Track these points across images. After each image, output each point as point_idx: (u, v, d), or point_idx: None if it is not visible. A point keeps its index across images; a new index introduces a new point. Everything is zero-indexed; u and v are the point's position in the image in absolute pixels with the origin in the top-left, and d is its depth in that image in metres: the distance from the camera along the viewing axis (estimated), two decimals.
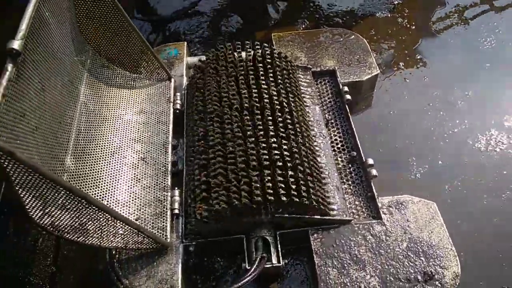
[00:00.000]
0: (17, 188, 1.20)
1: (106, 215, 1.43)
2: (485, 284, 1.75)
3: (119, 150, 2.01)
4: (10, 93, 1.09)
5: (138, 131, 2.13)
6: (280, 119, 1.89)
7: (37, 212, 1.36)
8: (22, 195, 1.24)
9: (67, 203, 1.31)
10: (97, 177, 1.85)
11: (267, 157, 1.73)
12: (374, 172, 1.89)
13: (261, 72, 2.11)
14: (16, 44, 1.12)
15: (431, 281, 1.52)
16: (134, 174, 1.96)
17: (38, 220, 1.40)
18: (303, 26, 3.14)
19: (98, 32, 2.12)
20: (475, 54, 2.77)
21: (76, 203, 1.31)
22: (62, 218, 1.41)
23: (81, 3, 1.96)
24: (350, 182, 1.94)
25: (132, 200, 1.87)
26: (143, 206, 1.86)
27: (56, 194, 1.25)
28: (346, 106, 2.26)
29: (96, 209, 1.36)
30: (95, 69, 2.17)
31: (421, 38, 2.90)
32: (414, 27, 2.96)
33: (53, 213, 1.39)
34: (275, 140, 1.80)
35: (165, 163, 2.01)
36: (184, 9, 3.46)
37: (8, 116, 1.09)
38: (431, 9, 3.12)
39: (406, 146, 2.33)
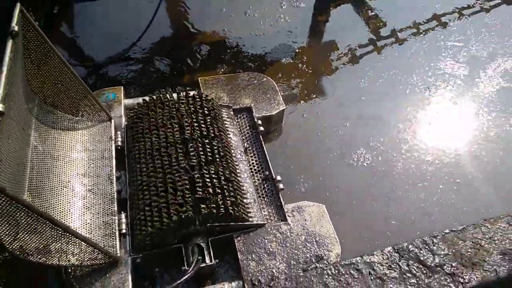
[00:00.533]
0: None
1: (68, 234, 1.77)
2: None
3: (68, 184, 2.33)
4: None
5: (84, 167, 2.46)
6: (208, 147, 2.39)
7: (8, 238, 1.66)
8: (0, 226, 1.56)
9: (37, 226, 1.64)
10: (52, 208, 2.15)
11: (199, 180, 2.20)
12: (281, 186, 2.47)
13: (191, 111, 2.61)
14: (1, 107, 1.48)
15: (321, 260, 2.09)
16: (84, 203, 2.29)
17: (7, 246, 1.69)
18: (223, 70, 3.75)
19: (44, 83, 2.44)
20: (354, 91, 3.61)
21: (44, 225, 1.65)
22: (29, 241, 1.73)
23: (31, 60, 2.29)
24: (264, 195, 2.50)
25: (84, 226, 2.19)
26: (94, 229, 2.20)
27: (30, 219, 1.59)
28: (260, 136, 2.85)
29: (61, 230, 1.71)
30: (42, 115, 2.47)
31: (316, 79, 3.69)
32: (311, 71, 3.74)
33: (22, 238, 1.70)
34: (204, 164, 2.29)
35: (111, 192, 2.38)
36: (117, 54, 3.86)
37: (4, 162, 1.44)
38: (324, 54, 3.95)
39: (301, 166, 2.99)
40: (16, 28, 1.87)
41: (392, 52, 3.99)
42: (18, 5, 1.96)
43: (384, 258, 1.85)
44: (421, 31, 4.21)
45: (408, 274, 1.81)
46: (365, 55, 3.96)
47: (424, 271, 1.82)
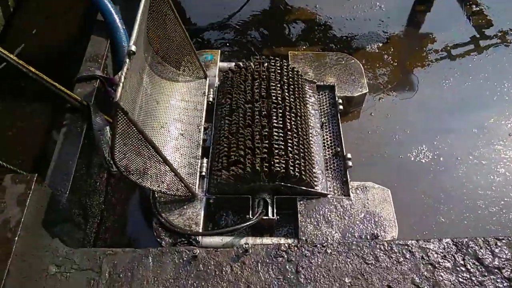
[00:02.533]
0: (116, 136, 1.90)
1: (164, 163, 2.13)
2: None
3: (165, 125, 2.72)
4: (126, 77, 1.80)
5: (179, 114, 2.84)
6: (289, 114, 2.58)
7: (120, 155, 2.06)
8: (116, 142, 1.95)
9: (143, 150, 2.01)
10: None
11: (278, 142, 2.41)
12: (350, 163, 2.58)
13: (276, 80, 2.81)
14: (133, 48, 1.84)
15: (376, 239, 2.19)
16: (175, 144, 2.67)
17: (117, 161, 2.10)
18: (305, 47, 3.88)
19: (159, 38, 2.83)
20: (437, 90, 3.49)
21: (149, 151, 2.02)
22: (134, 162, 2.12)
23: (152, 17, 2.67)
24: (332, 169, 2.63)
25: (173, 162, 2.56)
26: (180, 167, 2.57)
27: (139, 143, 1.96)
28: (339, 114, 2.96)
29: (160, 158, 2.07)
30: (154, 64, 2.88)
31: (400, 73, 3.64)
32: (396, 63, 3.70)
33: (129, 157, 2.10)
34: (284, 130, 2.49)
35: (198, 139, 2.72)
36: (218, 22, 4.19)
37: (125, 90, 1.80)
38: (413, 48, 3.85)
39: (375, 149, 3.08)
40: None
41: (485, 55, 3.73)
42: None
43: (440, 247, 1.89)
44: None
45: (462, 268, 1.83)
46: (456, 53, 3.77)
47: (480, 269, 1.83)
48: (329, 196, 2.45)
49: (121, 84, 1.74)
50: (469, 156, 3.04)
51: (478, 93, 3.45)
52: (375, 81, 3.59)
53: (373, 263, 1.84)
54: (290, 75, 2.89)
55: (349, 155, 2.62)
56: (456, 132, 3.19)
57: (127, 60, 1.82)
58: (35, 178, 1.97)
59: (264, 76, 2.84)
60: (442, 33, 3.93)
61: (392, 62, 3.73)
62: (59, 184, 2.29)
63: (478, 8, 4.13)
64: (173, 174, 2.25)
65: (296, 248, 1.91)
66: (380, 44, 3.88)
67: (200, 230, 2.33)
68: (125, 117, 1.76)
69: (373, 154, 3.05)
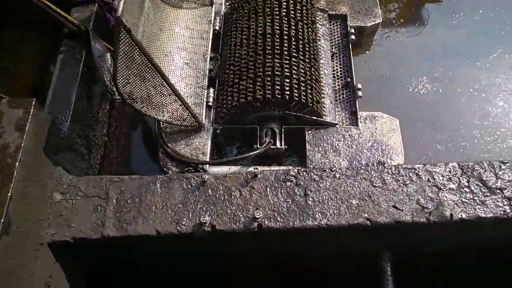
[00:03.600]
0: (118, 58, 1.82)
1: (169, 89, 2.07)
2: None
3: (169, 54, 2.61)
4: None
5: (184, 42, 2.71)
6: (299, 42, 2.46)
7: (123, 80, 1.99)
8: (119, 65, 1.87)
9: (147, 75, 1.94)
10: None
11: (287, 70, 2.32)
12: (360, 93, 2.51)
13: (286, 7, 2.64)
14: None
15: (381, 165, 2.20)
16: (180, 73, 2.58)
17: (120, 87, 2.03)
18: None
19: None
20: (447, 28, 3.35)
21: (153, 75, 1.95)
22: (138, 88, 2.06)
23: None
24: (341, 99, 2.57)
25: (179, 91, 2.50)
26: (186, 97, 2.50)
27: (143, 67, 1.88)
28: (350, 44, 2.82)
29: (166, 84, 2.00)
30: None
31: (413, 7, 3.47)
32: None
33: (133, 82, 2.03)
34: (294, 58, 2.39)
35: (204, 69, 2.63)
36: None
37: (127, 6, 1.69)
38: None
39: (387, 80, 3.05)
40: None
41: None
42: None
43: (446, 171, 1.89)
44: None
45: (466, 189, 1.85)
46: None
47: (483, 190, 1.85)
48: (337, 125, 2.41)
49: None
50: (469, 89, 3.04)
51: (488, 27, 3.34)
52: (388, 15, 3.42)
53: (380, 185, 1.86)
54: (300, 1, 2.71)
55: (359, 85, 2.54)
56: (460, 66, 3.16)
57: None
58: (33, 103, 1.89)
59: (275, 3, 2.66)
60: None
61: None
62: (59, 112, 2.24)
63: None
64: (179, 102, 2.19)
65: (305, 173, 1.91)
66: None
67: (207, 160, 2.33)
68: (127, 36, 1.67)
69: (383, 83, 3.05)
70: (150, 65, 1.88)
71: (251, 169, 2.19)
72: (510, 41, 3.24)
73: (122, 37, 1.69)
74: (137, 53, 1.79)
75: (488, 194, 1.83)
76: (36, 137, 1.94)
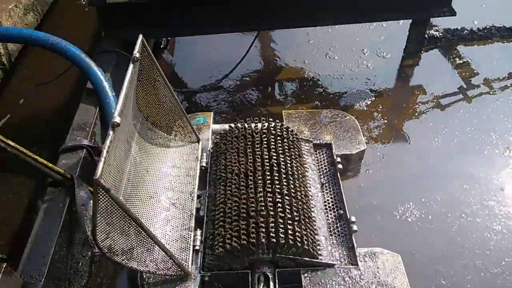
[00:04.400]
0: (97, 215, 1.73)
1: (152, 241, 1.93)
2: None
3: (155, 195, 2.55)
4: (109, 151, 1.68)
5: (170, 182, 2.68)
6: (286, 178, 2.43)
7: (102, 235, 1.87)
8: (98, 221, 1.77)
9: (128, 228, 1.83)
10: (139, 216, 2.35)
11: (272, 211, 2.24)
12: (355, 227, 2.38)
13: (272, 142, 2.70)
14: (117, 119, 1.73)
15: None
16: (166, 215, 2.47)
17: (100, 242, 1.90)
18: (290, 104, 3.92)
19: (149, 104, 2.77)
20: (428, 146, 3.50)
21: (134, 229, 1.83)
22: (118, 241, 1.92)
23: (142, 83, 2.62)
24: (336, 234, 2.43)
25: (164, 236, 2.35)
26: (172, 241, 2.35)
27: (124, 222, 1.78)
28: (338, 173, 2.81)
29: (147, 236, 1.88)
30: (143, 131, 2.77)
31: (391, 130, 3.66)
32: (386, 121, 3.73)
33: (113, 237, 1.90)
34: (280, 196, 2.33)
35: (191, 209, 2.53)
36: (210, 84, 4.21)
37: (107, 165, 1.67)
38: (401, 105, 3.92)
39: (374, 210, 2.97)
40: (137, 55, 2.18)
41: (470, 108, 3.80)
42: (141, 36, 2.29)
43: None
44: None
45: None
46: (444, 104, 3.85)
47: None
48: (335, 266, 2.22)
49: (102, 159, 1.61)
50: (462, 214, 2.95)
51: (467, 147, 3.45)
52: (368, 139, 3.57)
53: None
54: (285, 135, 2.79)
55: (353, 218, 2.43)
56: (446, 189, 3.14)
57: (111, 133, 1.71)
58: (3, 268, 1.73)
59: (259, 138, 2.73)
60: (430, 86, 4.03)
61: (381, 119, 3.76)
62: (34, 269, 2.06)
63: (462, 61, 4.25)
64: (163, 253, 2.03)
65: None
66: (369, 102, 3.94)
67: None
68: (106, 195, 1.60)
69: (378, 212, 2.93)
70: (130, 219, 1.78)
71: None
72: (484, 163, 3.30)
73: (100, 197, 1.62)
74: (117, 209, 1.71)
75: None
76: None
